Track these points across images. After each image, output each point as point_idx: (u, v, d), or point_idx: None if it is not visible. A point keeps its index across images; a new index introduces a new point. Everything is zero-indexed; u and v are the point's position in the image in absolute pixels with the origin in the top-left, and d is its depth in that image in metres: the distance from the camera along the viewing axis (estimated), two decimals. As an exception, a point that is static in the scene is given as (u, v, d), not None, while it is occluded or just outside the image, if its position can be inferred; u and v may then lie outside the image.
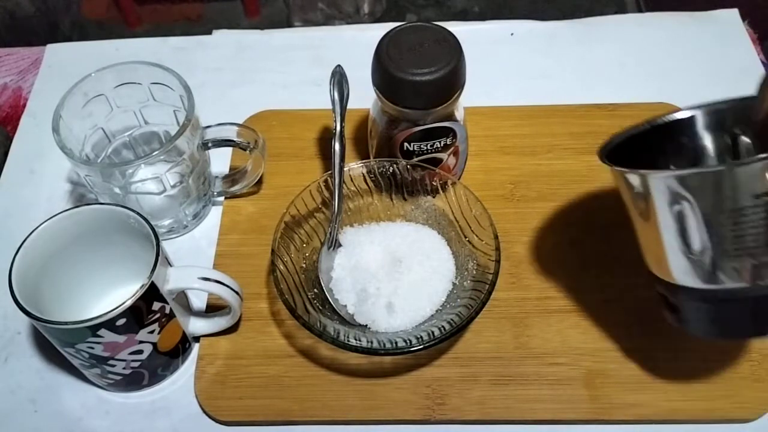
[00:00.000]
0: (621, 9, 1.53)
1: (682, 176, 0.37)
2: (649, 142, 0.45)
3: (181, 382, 0.50)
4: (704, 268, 0.38)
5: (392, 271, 0.50)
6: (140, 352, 0.45)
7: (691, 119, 0.46)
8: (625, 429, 0.47)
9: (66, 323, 0.41)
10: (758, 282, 0.37)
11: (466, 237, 0.50)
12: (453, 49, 0.48)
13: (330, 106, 0.52)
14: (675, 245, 0.39)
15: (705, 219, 0.37)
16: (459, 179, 0.55)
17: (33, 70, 0.69)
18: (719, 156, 0.46)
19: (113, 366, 0.45)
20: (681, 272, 0.40)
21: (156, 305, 0.44)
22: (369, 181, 0.53)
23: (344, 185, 0.51)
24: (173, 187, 0.52)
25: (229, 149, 0.60)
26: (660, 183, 0.38)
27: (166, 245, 0.49)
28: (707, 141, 0.46)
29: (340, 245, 0.52)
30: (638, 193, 0.40)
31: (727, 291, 0.38)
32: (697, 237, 0.38)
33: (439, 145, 0.51)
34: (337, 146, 0.51)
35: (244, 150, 0.53)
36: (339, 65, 0.53)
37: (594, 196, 0.57)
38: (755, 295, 0.38)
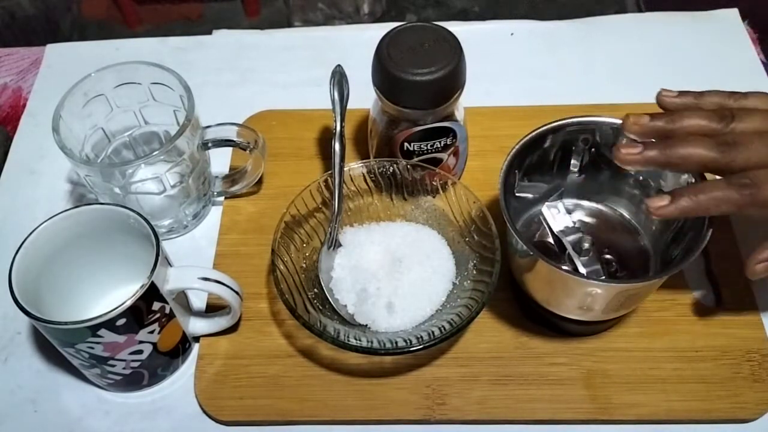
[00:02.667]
0: (621, 9, 1.53)
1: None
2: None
3: (181, 382, 0.50)
4: None
5: (392, 271, 0.50)
6: (140, 352, 0.45)
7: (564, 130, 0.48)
8: (625, 429, 0.47)
9: (66, 323, 0.41)
10: None
11: (466, 237, 0.50)
12: (453, 49, 0.48)
13: (330, 106, 0.52)
14: None
15: None
16: (459, 179, 0.55)
17: (33, 70, 0.69)
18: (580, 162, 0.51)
19: (113, 366, 0.45)
20: None
21: (156, 305, 0.44)
22: (369, 181, 0.52)
23: (344, 185, 0.51)
24: (173, 187, 0.52)
25: (229, 149, 0.60)
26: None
27: (166, 245, 0.49)
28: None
29: (340, 245, 0.52)
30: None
31: None
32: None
33: (439, 145, 0.51)
34: (337, 146, 0.51)
35: (244, 150, 0.53)
36: (339, 65, 0.53)
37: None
38: None
